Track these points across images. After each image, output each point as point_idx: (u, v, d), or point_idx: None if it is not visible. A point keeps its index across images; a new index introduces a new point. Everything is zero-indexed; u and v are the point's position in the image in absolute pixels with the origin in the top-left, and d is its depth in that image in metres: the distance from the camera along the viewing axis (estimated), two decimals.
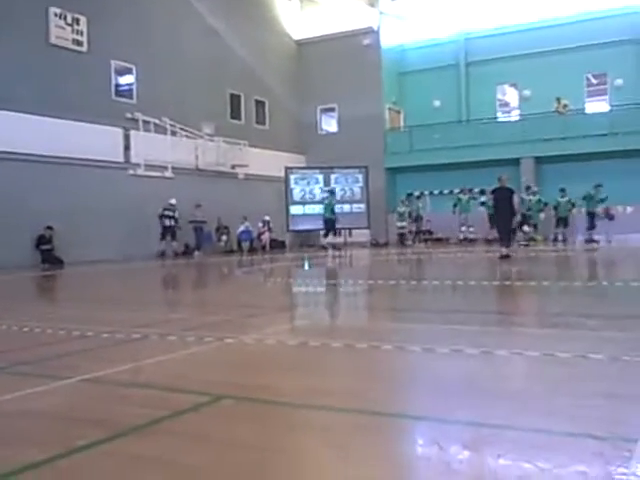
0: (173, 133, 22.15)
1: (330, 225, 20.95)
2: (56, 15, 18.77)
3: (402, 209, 24.27)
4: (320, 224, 21.75)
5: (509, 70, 26.78)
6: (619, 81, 25.05)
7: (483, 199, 22.03)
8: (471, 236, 23.43)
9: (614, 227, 20.67)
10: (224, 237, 23.30)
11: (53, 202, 17.82)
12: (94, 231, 18.76)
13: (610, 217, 20.61)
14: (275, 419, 3.07)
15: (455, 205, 23.71)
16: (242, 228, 23.27)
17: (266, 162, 25.40)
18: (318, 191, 25.30)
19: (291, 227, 25.48)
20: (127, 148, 20.73)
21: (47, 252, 17.60)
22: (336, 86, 27.78)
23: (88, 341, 5.34)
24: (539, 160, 24.62)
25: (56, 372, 4.20)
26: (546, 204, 22.19)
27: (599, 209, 20.17)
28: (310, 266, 16.28)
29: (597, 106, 25.88)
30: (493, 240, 19.08)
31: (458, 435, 2.68)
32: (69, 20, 19.09)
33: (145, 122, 21.19)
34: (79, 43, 19.41)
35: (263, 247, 23.78)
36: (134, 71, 21.29)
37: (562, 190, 21.47)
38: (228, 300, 8.91)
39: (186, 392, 3.55)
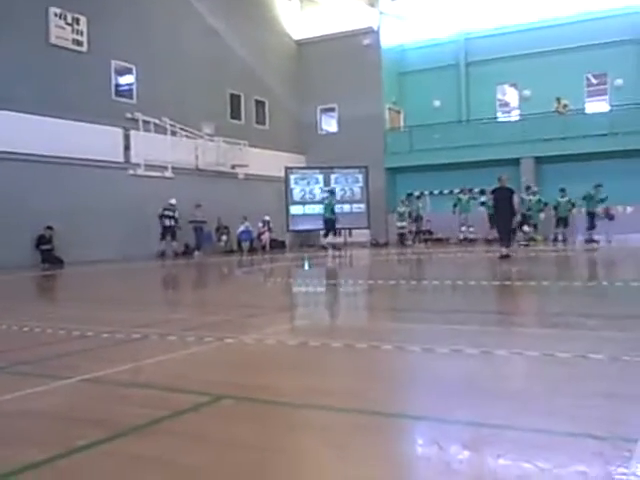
0: (173, 133, 22.15)
1: (330, 225, 20.93)
2: (56, 15, 18.78)
3: (402, 209, 24.26)
4: (320, 224, 21.74)
5: (509, 70, 26.78)
6: (619, 81, 25.05)
7: (483, 199, 22.03)
8: (471, 236, 23.42)
9: (614, 227, 20.66)
10: (224, 237, 23.29)
11: (53, 202, 17.82)
12: (94, 231, 18.76)
13: (610, 217, 20.60)
14: (275, 419, 3.07)
15: (455, 205, 23.71)
16: (242, 228, 23.27)
17: (266, 162, 25.40)
18: (318, 191, 25.29)
19: (291, 227, 25.48)
20: (127, 148, 20.74)
21: (47, 252, 17.61)
22: (336, 86, 27.77)
23: (88, 341, 5.34)
24: (539, 160, 24.62)
25: (56, 372, 4.20)
26: (546, 204, 22.19)
27: (599, 209, 20.17)
28: (310, 266, 16.27)
29: (597, 106, 25.88)
30: (493, 240, 19.07)
31: (458, 435, 2.68)
32: (69, 20, 19.10)
33: (145, 122, 21.20)
34: (79, 43, 19.42)
35: (263, 247, 23.77)
36: (134, 71, 21.29)
37: (562, 190, 21.47)
38: (228, 300, 8.90)
39: (186, 392, 3.55)
